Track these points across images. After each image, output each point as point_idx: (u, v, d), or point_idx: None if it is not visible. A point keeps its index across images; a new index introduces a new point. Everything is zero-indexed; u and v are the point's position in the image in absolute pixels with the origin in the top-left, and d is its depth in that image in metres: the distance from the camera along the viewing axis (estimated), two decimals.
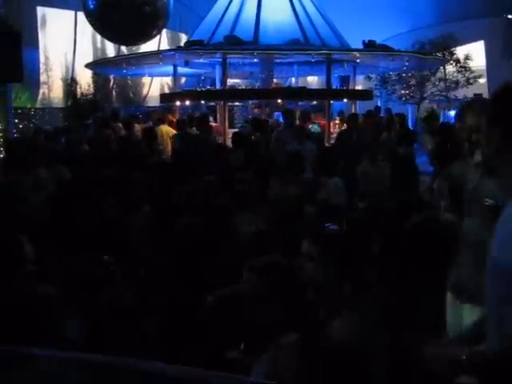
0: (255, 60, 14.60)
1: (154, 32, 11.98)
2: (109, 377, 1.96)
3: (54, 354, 2.02)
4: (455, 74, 19.59)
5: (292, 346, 2.09)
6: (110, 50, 21.23)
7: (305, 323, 2.22)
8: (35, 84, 19.03)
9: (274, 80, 15.60)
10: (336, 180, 6.05)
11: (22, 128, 17.10)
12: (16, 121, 17.07)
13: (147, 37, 12.19)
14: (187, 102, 13.88)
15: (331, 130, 13.30)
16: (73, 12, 19.61)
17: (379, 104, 19.61)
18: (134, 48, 19.06)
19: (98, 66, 17.25)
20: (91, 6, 11.63)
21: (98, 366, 2.01)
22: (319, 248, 2.61)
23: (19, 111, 17.66)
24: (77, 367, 2.01)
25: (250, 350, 2.45)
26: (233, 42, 13.25)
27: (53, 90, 20.02)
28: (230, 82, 15.61)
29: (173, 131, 11.46)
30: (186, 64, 14.38)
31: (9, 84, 14.98)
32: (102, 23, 11.47)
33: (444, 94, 19.64)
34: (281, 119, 14.30)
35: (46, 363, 1.99)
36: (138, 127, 11.86)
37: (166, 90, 21.33)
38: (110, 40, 13.45)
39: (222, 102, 13.25)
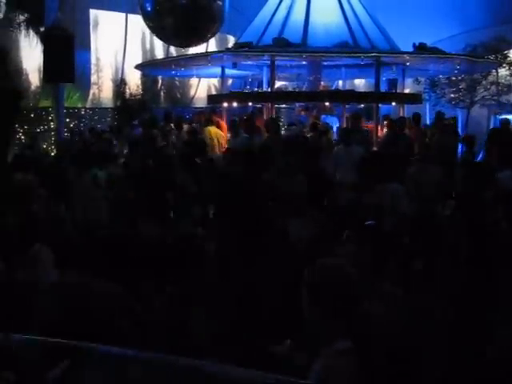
0: (303, 62, 14.55)
1: (209, 35, 12.13)
2: (167, 375, 1.96)
3: (117, 352, 2.03)
4: (508, 77, 19.07)
5: (346, 354, 2.06)
6: (159, 51, 21.53)
7: (359, 331, 2.18)
8: (86, 84, 19.45)
9: (321, 82, 15.52)
10: (396, 185, 5.90)
11: (73, 127, 17.52)
12: (67, 120, 17.51)
13: (202, 39, 12.37)
14: (234, 104, 13.95)
15: (379, 133, 13.15)
16: (124, 14, 20.00)
17: (427, 108, 19.29)
18: (183, 50, 19.29)
19: (148, 67, 17.52)
20: (148, 9, 11.88)
21: (158, 365, 2.01)
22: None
23: (70, 111, 18.10)
24: (137, 365, 2.02)
25: (297, 346, 2.42)
26: (281, 44, 13.24)
27: (103, 91, 20.42)
28: (277, 84, 15.61)
29: (220, 132, 11.58)
30: (234, 66, 14.44)
31: (61, 84, 15.40)
32: (159, 25, 11.71)
33: (495, 98, 19.13)
34: (327, 121, 14.26)
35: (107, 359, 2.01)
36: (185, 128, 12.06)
37: (213, 91, 21.49)
38: (165, 42, 13.68)
39: (270, 104, 13.26)
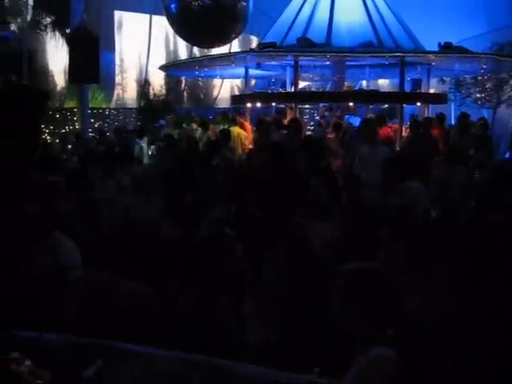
0: (327, 62, 14.49)
1: (233, 35, 12.12)
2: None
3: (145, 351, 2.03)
4: None
5: (382, 361, 2.02)
6: (182, 52, 21.65)
7: (399, 334, 2.14)
8: (110, 85, 19.64)
9: (345, 83, 15.43)
10: (418, 184, 5.85)
11: (97, 127, 17.69)
12: (92, 120, 17.69)
13: (226, 40, 12.38)
14: (258, 104, 13.94)
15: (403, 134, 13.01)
16: (148, 15, 20.15)
17: (452, 108, 19.06)
18: (206, 50, 19.35)
19: (171, 67, 17.61)
20: (173, 10, 11.92)
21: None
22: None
23: (94, 111, 18.28)
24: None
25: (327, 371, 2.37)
26: (305, 44, 13.19)
27: (127, 91, 20.62)
28: (301, 84, 15.55)
29: (244, 133, 11.59)
30: (258, 66, 14.44)
31: (86, 85, 15.56)
32: (183, 26, 11.74)
33: None
34: (351, 121, 14.16)
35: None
36: (212, 128, 12.16)
37: (236, 92, 21.54)
38: (189, 42, 13.73)
39: (293, 105, 13.23)
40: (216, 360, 1.98)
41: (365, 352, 2.04)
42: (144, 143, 11.10)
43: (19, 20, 18.23)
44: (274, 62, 14.38)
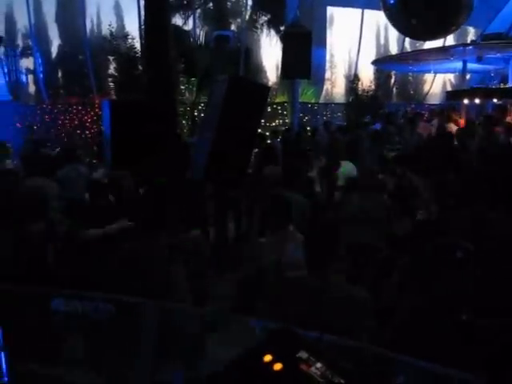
0: None
1: (454, 27, 11.33)
2: None
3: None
4: None
5: None
6: (393, 46, 21.09)
7: None
8: (320, 80, 19.87)
9: None
10: None
11: (305, 122, 17.99)
12: (301, 115, 18.05)
13: (447, 32, 11.63)
14: (477, 100, 12.97)
15: None
16: (359, 10, 19.93)
17: None
18: (417, 44, 18.61)
19: (383, 62, 17.24)
20: (391, 1, 11.51)
21: None
22: None
23: (303, 106, 18.62)
24: None
25: None
26: None
27: (336, 86, 20.70)
28: None
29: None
30: (478, 59, 13.42)
31: (297, 80, 15.92)
32: (402, 18, 11.27)
33: None
34: None
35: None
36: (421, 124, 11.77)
37: (448, 88, 20.44)
38: (409, 36, 13.18)
39: None
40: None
41: None
42: None
43: (238, 20, 19.33)
44: (498, 55, 13.24)
